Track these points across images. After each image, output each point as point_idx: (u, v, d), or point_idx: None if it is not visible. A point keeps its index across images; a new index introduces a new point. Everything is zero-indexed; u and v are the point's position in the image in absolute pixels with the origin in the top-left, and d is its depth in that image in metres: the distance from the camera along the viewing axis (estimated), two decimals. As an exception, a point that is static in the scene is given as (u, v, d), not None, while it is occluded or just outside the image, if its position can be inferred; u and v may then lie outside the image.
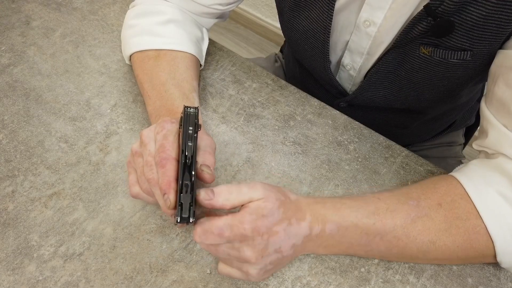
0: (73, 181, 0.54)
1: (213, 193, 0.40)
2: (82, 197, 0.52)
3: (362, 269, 0.48)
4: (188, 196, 0.41)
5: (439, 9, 0.46)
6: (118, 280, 0.46)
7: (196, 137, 0.42)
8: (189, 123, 0.42)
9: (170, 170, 0.41)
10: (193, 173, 0.41)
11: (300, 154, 0.57)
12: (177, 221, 0.40)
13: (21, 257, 0.48)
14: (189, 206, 0.40)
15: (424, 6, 0.47)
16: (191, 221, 0.40)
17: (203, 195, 0.40)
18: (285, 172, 0.55)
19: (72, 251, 0.48)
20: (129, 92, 0.63)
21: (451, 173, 0.49)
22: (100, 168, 0.55)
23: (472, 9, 0.45)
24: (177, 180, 0.42)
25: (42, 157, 0.56)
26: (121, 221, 0.51)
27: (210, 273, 0.47)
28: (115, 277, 0.47)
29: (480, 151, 0.51)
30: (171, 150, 0.43)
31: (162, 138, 0.43)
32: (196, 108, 0.43)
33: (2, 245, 0.48)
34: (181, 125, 0.44)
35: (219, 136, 0.59)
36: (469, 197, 0.45)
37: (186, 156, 0.41)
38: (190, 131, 0.42)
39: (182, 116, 0.44)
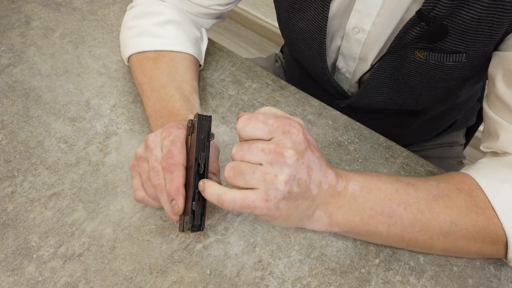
0: (73, 181, 0.54)
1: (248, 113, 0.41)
2: (81, 197, 0.52)
3: (363, 270, 0.48)
4: (200, 204, 0.41)
5: (432, 14, 0.46)
6: (117, 281, 0.46)
7: (209, 145, 0.43)
8: (203, 132, 0.43)
9: (178, 176, 0.41)
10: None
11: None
12: (188, 228, 0.40)
13: (21, 258, 0.48)
14: (200, 214, 0.40)
15: (416, 12, 0.47)
16: (201, 229, 0.40)
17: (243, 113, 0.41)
18: (285, 173, 0.55)
19: (72, 252, 0.48)
20: (128, 93, 0.63)
21: (462, 171, 0.49)
22: (100, 168, 0.55)
23: (464, 12, 0.45)
24: (184, 186, 0.42)
25: (41, 158, 0.55)
26: (120, 221, 0.50)
27: (210, 274, 0.47)
28: (115, 278, 0.46)
29: (486, 152, 0.51)
30: (179, 156, 0.42)
31: (170, 144, 0.43)
32: (209, 116, 0.44)
33: (2, 245, 0.48)
34: (191, 132, 0.44)
35: (219, 136, 0.59)
36: (484, 192, 0.44)
37: (199, 164, 0.41)
38: (204, 140, 0.42)
39: (193, 124, 0.44)
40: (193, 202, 0.41)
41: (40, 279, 0.46)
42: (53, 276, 0.46)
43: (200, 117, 0.43)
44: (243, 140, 0.40)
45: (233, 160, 0.40)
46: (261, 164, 0.39)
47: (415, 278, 0.48)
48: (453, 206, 0.44)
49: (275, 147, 0.38)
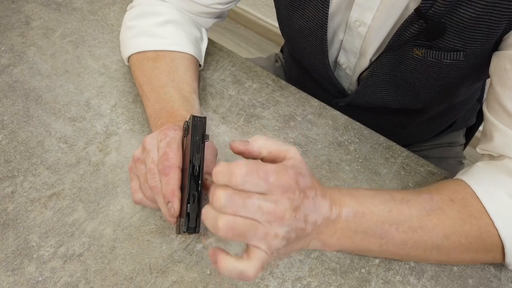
0: (73, 181, 0.54)
1: (247, 141, 0.38)
2: (81, 197, 0.52)
3: (363, 270, 0.48)
4: (195, 206, 0.41)
5: (430, 11, 0.46)
6: (118, 281, 0.46)
7: (203, 147, 0.43)
8: (197, 133, 0.42)
9: (173, 178, 0.41)
10: (200, 183, 0.41)
11: (301, 154, 0.57)
12: (184, 231, 0.40)
13: (21, 258, 0.48)
14: (196, 216, 0.40)
15: (415, 9, 0.47)
16: (197, 231, 0.40)
17: (237, 144, 0.37)
18: (285, 173, 0.55)
19: (72, 252, 0.48)
20: (129, 93, 0.63)
21: (458, 176, 0.49)
22: (100, 168, 0.55)
23: (462, 11, 0.45)
24: (180, 188, 0.42)
25: (41, 158, 0.55)
26: (120, 221, 0.50)
27: (210, 274, 0.47)
28: (115, 278, 0.46)
29: (483, 154, 0.51)
30: (175, 158, 0.42)
31: (166, 146, 0.43)
32: (203, 117, 0.43)
33: (2, 245, 0.48)
34: (187, 134, 0.44)
35: (219, 136, 0.59)
36: (479, 198, 0.44)
37: (194, 166, 0.41)
38: (198, 142, 0.42)
39: (188, 125, 0.44)
40: (188, 205, 0.41)
41: (40, 279, 0.46)
42: (53, 276, 0.46)
43: (194, 118, 0.43)
44: (233, 186, 0.36)
45: (220, 209, 0.36)
46: (257, 220, 0.37)
47: (415, 278, 0.48)
48: (446, 219, 0.44)
49: (274, 208, 0.36)
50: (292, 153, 0.39)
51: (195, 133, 0.42)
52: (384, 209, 0.43)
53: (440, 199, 0.45)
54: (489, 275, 0.48)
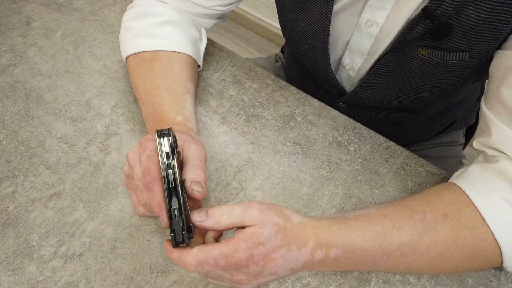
0: (74, 181, 0.54)
1: (206, 214, 0.40)
2: (82, 197, 0.52)
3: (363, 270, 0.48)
4: (179, 221, 0.40)
5: (437, 11, 0.46)
6: (118, 280, 0.46)
7: (175, 159, 0.41)
8: (164, 148, 0.41)
9: (158, 192, 0.41)
10: (180, 196, 0.41)
11: (300, 154, 0.57)
12: (173, 246, 0.40)
13: (21, 258, 0.48)
14: (181, 230, 0.40)
15: (422, 9, 0.47)
16: (185, 242, 0.39)
17: (195, 216, 0.40)
18: (285, 173, 0.55)
19: (73, 252, 0.48)
20: (129, 93, 0.63)
21: (453, 181, 0.48)
22: (101, 168, 0.55)
23: (470, 11, 0.45)
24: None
25: (42, 158, 0.56)
26: (121, 221, 0.51)
27: (210, 273, 0.47)
28: (115, 278, 0.47)
29: (479, 153, 0.51)
30: (156, 171, 0.42)
31: (146, 160, 0.43)
32: (168, 129, 0.42)
33: (2, 245, 0.49)
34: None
35: (219, 136, 0.59)
36: (474, 204, 0.44)
37: (169, 182, 0.40)
38: (167, 157, 0.41)
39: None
40: (171, 221, 0.40)
41: (40, 278, 0.46)
42: (53, 275, 0.47)
43: (158, 133, 0.41)
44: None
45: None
46: (223, 282, 0.44)
47: (415, 278, 0.48)
48: (439, 239, 0.43)
49: (231, 278, 0.41)
50: (249, 221, 0.40)
51: (162, 149, 0.41)
52: (374, 244, 0.43)
53: (433, 217, 0.44)
54: (488, 275, 0.48)
